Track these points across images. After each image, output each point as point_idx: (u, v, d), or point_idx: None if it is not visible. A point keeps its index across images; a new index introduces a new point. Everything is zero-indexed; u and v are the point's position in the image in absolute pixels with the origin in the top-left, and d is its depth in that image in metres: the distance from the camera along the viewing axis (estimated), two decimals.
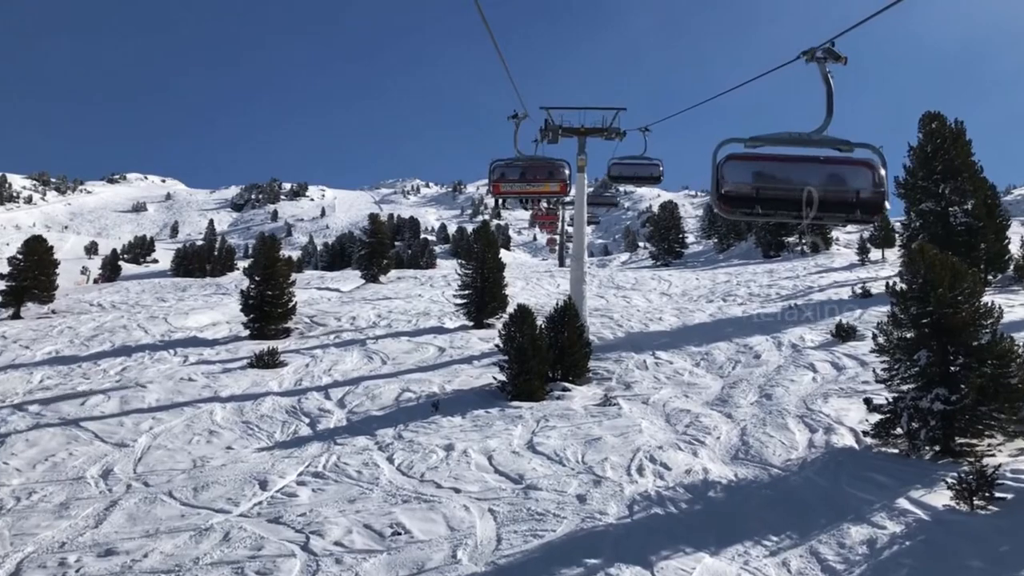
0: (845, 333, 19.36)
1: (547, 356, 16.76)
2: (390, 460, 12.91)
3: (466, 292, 24.25)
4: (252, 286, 24.68)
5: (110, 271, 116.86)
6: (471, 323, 24.20)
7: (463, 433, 14.21)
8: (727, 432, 13.90)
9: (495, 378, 16.88)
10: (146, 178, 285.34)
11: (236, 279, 78.13)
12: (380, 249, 41.77)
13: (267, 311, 24.61)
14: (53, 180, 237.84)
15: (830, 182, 8.13)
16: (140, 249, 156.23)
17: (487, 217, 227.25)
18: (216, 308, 30.05)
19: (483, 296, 24.01)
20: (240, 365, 19.85)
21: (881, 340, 13.40)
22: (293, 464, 13.01)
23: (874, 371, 13.79)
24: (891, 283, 16.21)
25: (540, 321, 17.72)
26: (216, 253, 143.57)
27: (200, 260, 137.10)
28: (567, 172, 15.82)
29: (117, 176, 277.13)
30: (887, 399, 12.85)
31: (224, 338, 24.80)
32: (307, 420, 15.66)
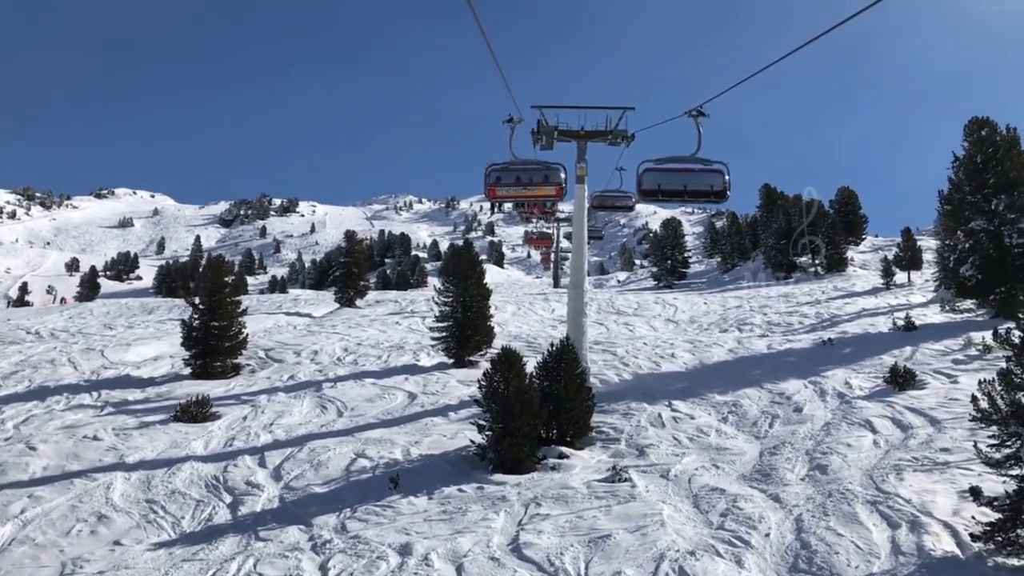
0: (902, 379, 15.93)
1: (539, 413, 13.26)
2: (323, 570, 9.38)
3: (444, 324, 20.73)
4: (195, 316, 21.12)
5: (88, 289, 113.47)
6: (450, 360, 20.66)
7: (427, 525, 10.67)
8: (778, 526, 10.39)
9: (473, 441, 13.35)
10: (135, 193, 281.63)
11: None
12: (357, 270, 38.19)
13: (213, 345, 21.06)
14: (38, 195, 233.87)
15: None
16: (123, 266, 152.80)
17: (480, 233, 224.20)
18: (164, 338, 26.46)
19: (464, 329, 20.48)
20: (163, 417, 16.28)
21: (985, 405, 9.93)
22: (193, 574, 9.48)
23: (975, 446, 10.31)
24: (1002, 330, 12.76)
25: (532, 363, 14.30)
26: (201, 270, 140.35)
27: (184, 277, 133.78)
28: (563, 175, 14.78)
29: (105, 191, 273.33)
30: (1008, 492, 9.38)
31: (162, 376, 21.21)
32: (228, 499, 12.11)
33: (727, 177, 14.79)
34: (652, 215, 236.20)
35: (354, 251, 38.44)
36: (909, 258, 35.47)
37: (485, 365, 20.48)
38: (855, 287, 35.77)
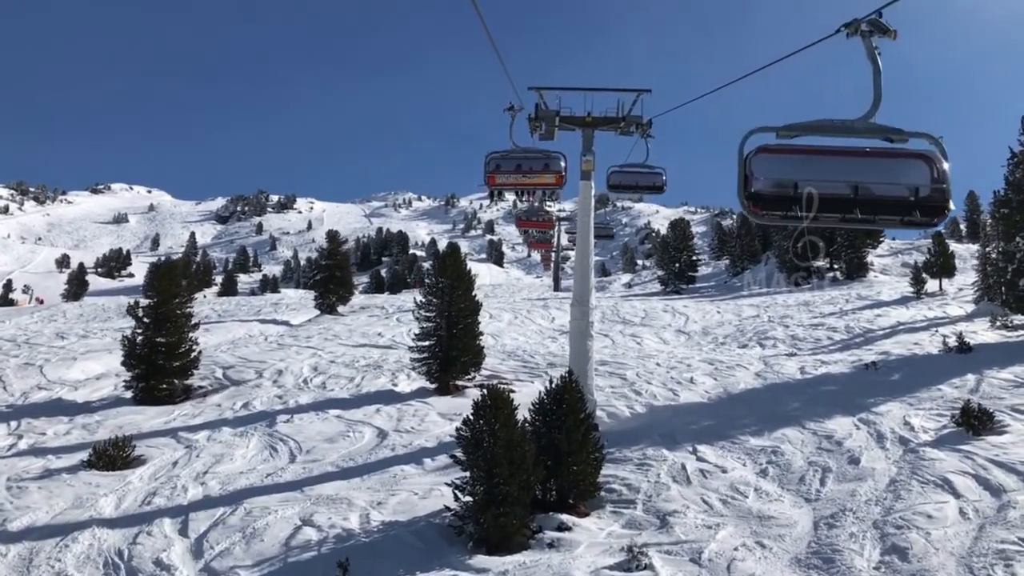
0: (977, 420, 13.05)
1: (534, 470, 10.39)
2: None
3: (426, 344, 17.83)
4: (139, 330, 18.29)
5: (76, 287, 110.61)
6: (432, 385, 17.74)
7: None
8: None
9: (448, 508, 10.46)
10: (131, 188, 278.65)
11: (208, 299, 71.76)
12: (340, 274, 35.22)
13: (160, 365, 18.22)
14: (32, 190, 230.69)
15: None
16: (115, 263, 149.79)
17: (479, 231, 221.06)
18: (117, 351, 23.58)
19: (449, 349, 17.57)
20: (78, 460, 13.40)
21: None
22: None
23: None
24: None
25: (528, 392, 11.45)
26: (194, 268, 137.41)
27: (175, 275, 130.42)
28: (563, 164, 13.94)
29: (101, 186, 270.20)
30: None
31: (100, 401, 18.38)
32: None
33: (936, 164, 6.88)
34: (654, 214, 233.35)
35: (337, 253, 35.52)
36: (941, 264, 32.53)
37: (473, 392, 17.68)
38: (881, 295, 32.87)
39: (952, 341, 19.29)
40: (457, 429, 10.62)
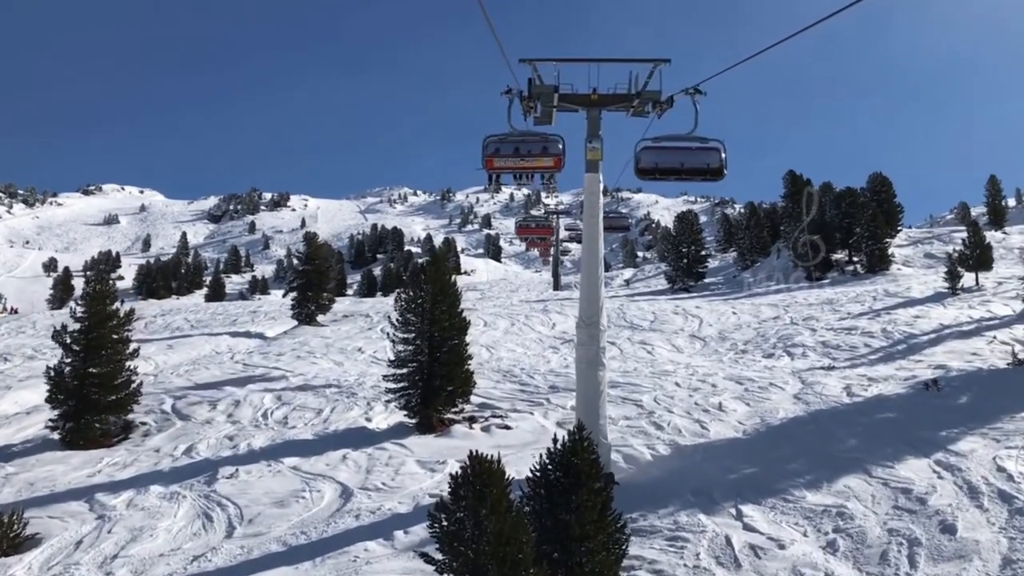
0: None
1: (537, 570, 7.62)
2: None
3: (403, 372, 15.02)
4: (67, 359, 15.53)
5: (62, 292, 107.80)
6: (412, 420, 14.93)
7: None
8: None
9: None
10: (123, 189, 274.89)
11: (187, 305, 68.88)
12: (319, 279, 32.38)
13: (94, 399, 15.47)
14: (21, 192, 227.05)
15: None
16: (105, 265, 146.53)
17: (476, 226, 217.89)
18: None
19: (432, 377, 14.77)
20: None
21: None
22: None
23: None
24: None
25: (527, 427, 8.63)
26: (184, 270, 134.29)
27: (165, 277, 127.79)
28: (560, 146, 12.57)
29: (92, 187, 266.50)
30: None
31: (23, 444, 15.61)
32: None
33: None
34: (654, 204, 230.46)
35: (316, 257, 32.67)
36: (977, 257, 29.74)
37: (461, 430, 14.91)
38: (912, 291, 30.10)
39: (1021, 351, 16.55)
40: (429, 514, 7.82)
